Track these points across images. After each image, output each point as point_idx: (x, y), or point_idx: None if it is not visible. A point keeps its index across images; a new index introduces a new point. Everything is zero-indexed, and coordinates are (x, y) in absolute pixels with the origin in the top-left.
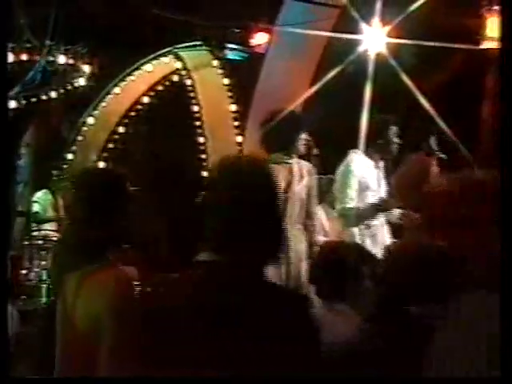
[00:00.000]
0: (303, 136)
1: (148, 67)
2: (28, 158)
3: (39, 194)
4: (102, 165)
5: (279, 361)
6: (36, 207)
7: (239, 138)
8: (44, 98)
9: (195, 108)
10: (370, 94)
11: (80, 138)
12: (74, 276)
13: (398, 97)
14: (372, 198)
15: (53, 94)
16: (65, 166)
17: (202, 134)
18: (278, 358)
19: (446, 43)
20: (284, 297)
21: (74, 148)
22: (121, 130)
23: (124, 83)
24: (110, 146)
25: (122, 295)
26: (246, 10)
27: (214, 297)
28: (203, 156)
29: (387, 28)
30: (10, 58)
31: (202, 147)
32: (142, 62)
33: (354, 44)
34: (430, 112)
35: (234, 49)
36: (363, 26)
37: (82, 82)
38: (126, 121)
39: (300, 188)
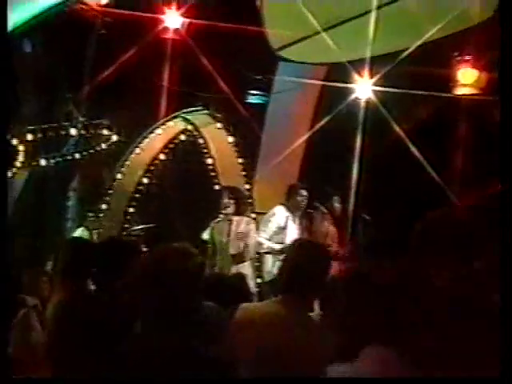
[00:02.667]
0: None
1: (163, 128)
2: (73, 200)
3: (78, 231)
4: (130, 210)
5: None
6: None
7: (247, 186)
8: (85, 153)
9: (209, 160)
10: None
11: (115, 183)
12: None
13: None
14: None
15: (91, 151)
16: (104, 207)
17: (216, 183)
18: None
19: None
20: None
21: (110, 191)
22: (145, 180)
23: (146, 140)
24: (140, 188)
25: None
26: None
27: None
28: None
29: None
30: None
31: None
32: (157, 125)
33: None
34: (417, 156)
35: (256, 94)
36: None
37: (110, 143)
38: (152, 169)
39: (242, 228)
